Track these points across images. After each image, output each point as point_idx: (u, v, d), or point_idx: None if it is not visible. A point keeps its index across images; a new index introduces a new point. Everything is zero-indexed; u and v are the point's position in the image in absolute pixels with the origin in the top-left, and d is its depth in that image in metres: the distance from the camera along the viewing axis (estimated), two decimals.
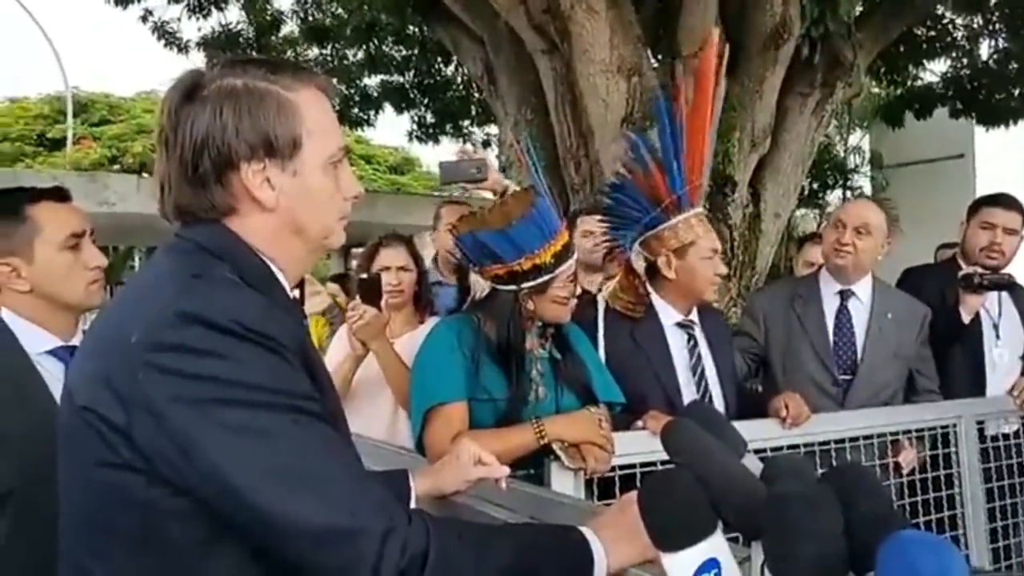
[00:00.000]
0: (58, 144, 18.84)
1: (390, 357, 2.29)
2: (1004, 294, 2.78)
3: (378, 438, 2.17)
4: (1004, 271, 2.75)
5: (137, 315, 0.89)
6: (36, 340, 1.51)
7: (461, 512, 1.33)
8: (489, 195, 2.35)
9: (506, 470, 1.34)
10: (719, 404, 2.12)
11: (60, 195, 1.58)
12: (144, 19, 7.76)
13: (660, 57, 5.10)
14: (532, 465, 1.77)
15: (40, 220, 1.52)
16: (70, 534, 0.94)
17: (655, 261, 2.12)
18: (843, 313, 2.55)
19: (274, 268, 1.00)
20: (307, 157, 0.97)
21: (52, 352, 1.52)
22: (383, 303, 2.28)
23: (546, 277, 1.78)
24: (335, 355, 2.40)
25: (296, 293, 1.21)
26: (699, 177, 2.07)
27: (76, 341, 1.56)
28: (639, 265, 2.14)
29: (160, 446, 0.84)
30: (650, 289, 2.17)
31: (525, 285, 1.78)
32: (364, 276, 2.32)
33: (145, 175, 11.84)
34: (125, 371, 0.85)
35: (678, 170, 2.02)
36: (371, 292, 2.25)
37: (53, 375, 1.49)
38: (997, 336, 2.75)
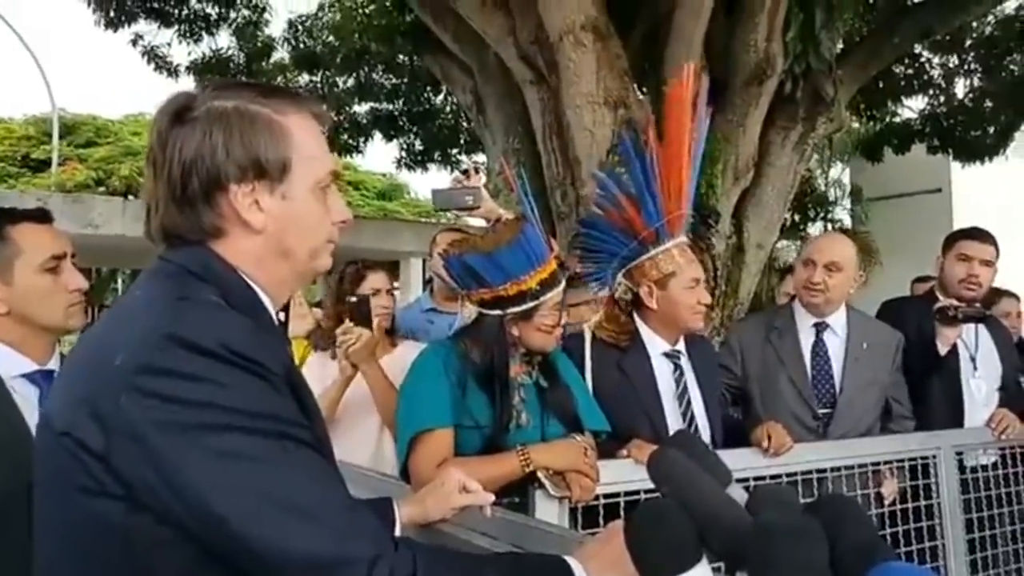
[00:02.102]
0: (43, 165, 18.71)
1: (379, 379, 2.28)
2: (981, 326, 2.82)
3: (363, 462, 2.15)
4: (979, 303, 2.80)
5: (121, 338, 0.87)
6: (10, 363, 1.48)
7: (445, 540, 1.32)
8: (483, 223, 2.37)
9: (491, 498, 1.33)
10: (705, 433, 2.13)
11: (42, 216, 1.56)
12: (134, 43, 7.78)
13: (646, 90, 5.19)
14: (517, 493, 1.76)
15: (20, 241, 1.50)
16: (47, 561, 0.92)
17: (638, 291, 2.14)
18: (819, 346, 2.56)
19: (259, 291, 0.99)
20: (297, 181, 0.97)
21: (26, 376, 1.49)
22: (374, 324, 2.28)
23: (531, 304, 1.78)
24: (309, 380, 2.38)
25: (282, 315, 1.21)
26: (678, 207, 2.08)
27: (52, 365, 1.54)
28: (623, 296, 2.16)
29: (141, 472, 0.82)
30: (637, 319, 2.18)
31: (510, 310, 1.79)
32: (354, 298, 2.32)
33: (131, 198, 11.78)
34: (107, 395, 0.83)
35: (653, 203, 2.04)
36: (362, 314, 2.25)
37: (26, 399, 1.45)
38: (974, 368, 2.78)
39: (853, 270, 2.54)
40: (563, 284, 1.86)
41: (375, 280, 2.48)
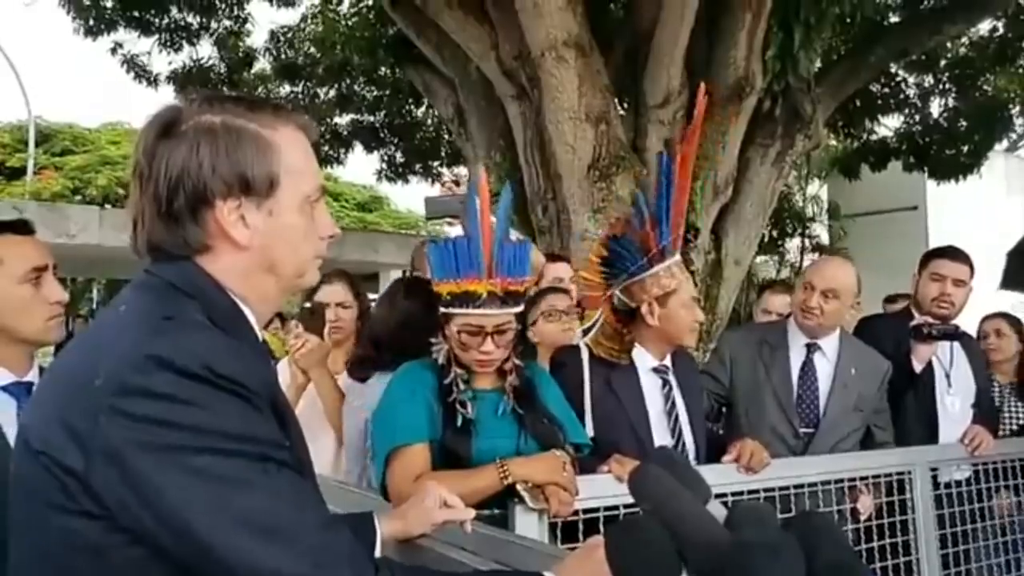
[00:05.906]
0: (18, 173, 18.40)
1: (329, 387, 2.30)
2: (956, 344, 2.86)
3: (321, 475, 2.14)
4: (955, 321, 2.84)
5: (103, 357, 0.86)
6: None
7: (425, 555, 1.31)
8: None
9: (471, 513, 1.33)
10: (691, 448, 2.14)
11: (24, 228, 1.55)
12: (114, 51, 7.72)
13: (627, 106, 5.24)
14: (495, 505, 1.75)
15: (1, 252, 1.49)
16: None
17: (636, 308, 2.12)
18: (808, 366, 2.57)
19: (244, 308, 0.98)
20: (284, 196, 0.97)
21: (4, 388, 1.48)
22: (325, 332, 2.30)
23: (442, 309, 1.76)
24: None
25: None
26: (680, 226, 2.11)
27: (31, 377, 1.52)
28: (622, 310, 2.16)
29: (120, 494, 0.82)
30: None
31: (440, 306, 1.78)
32: (307, 305, 2.37)
33: (108, 207, 11.66)
34: (87, 415, 0.83)
35: (667, 221, 2.06)
36: (314, 321, 2.30)
37: (4, 411, 1.44)
38: (949, 384, 2.81)
39: (851, 297, 2.54)
40: (491, 312, 1.71)
41: (326, 293, 2.47)
